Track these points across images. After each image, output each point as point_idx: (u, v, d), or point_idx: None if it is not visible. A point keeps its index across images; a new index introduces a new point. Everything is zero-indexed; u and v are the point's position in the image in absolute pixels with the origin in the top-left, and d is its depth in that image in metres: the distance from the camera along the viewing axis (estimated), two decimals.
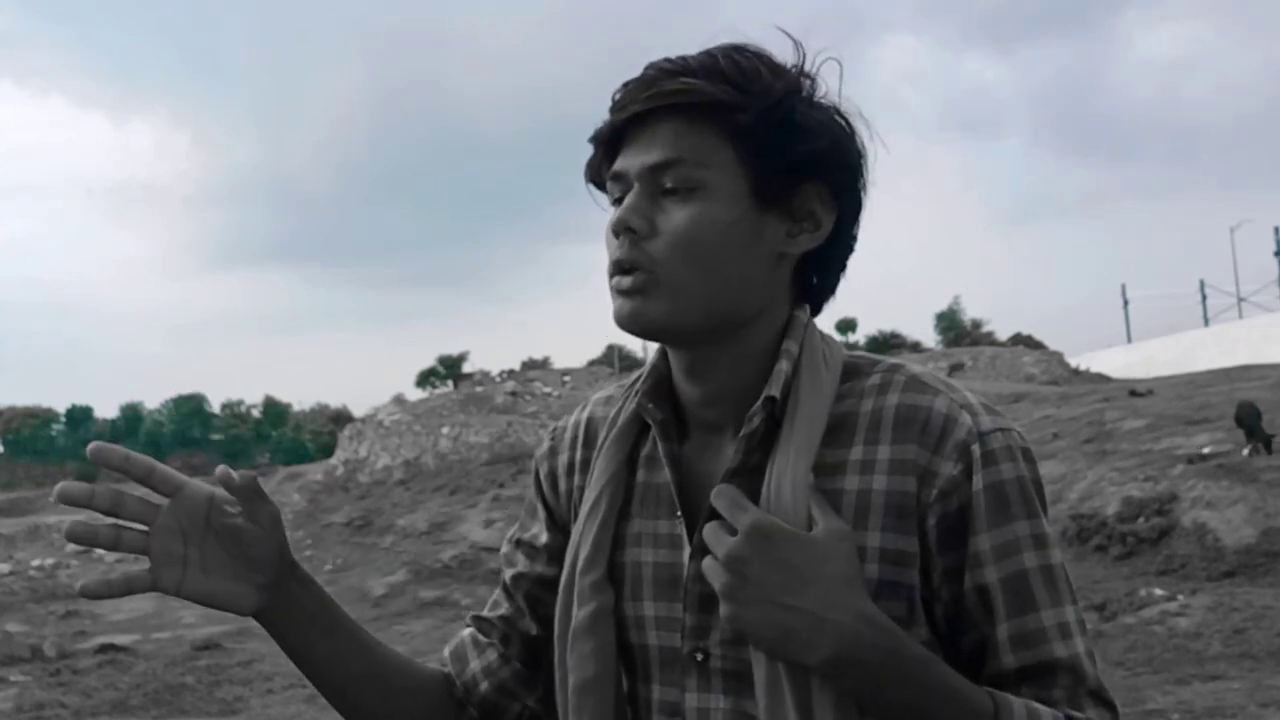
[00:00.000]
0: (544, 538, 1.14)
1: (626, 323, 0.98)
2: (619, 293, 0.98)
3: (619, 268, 0.97)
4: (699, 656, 0.97)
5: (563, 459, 1.14)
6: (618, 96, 0.98)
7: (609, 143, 1.00)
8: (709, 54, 0.97)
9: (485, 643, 1.15)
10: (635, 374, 1.10)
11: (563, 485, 1.13)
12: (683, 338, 1.00)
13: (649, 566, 1.02)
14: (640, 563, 1.02)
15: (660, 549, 1.01)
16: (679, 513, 1.00)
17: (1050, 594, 0.93)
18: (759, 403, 0.96)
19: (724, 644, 0.96)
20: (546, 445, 1.17)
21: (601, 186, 1.03)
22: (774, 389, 0.96)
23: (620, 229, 0.97)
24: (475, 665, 1.14)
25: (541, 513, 1.15)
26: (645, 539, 1.03)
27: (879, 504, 0.94)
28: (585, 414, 1.14)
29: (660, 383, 1.04)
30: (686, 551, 0.99)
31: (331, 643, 1.07)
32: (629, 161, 0.98)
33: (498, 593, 1.18)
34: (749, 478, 0.96)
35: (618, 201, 0.99)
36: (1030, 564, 0.93)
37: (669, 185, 0.96)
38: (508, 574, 1.16)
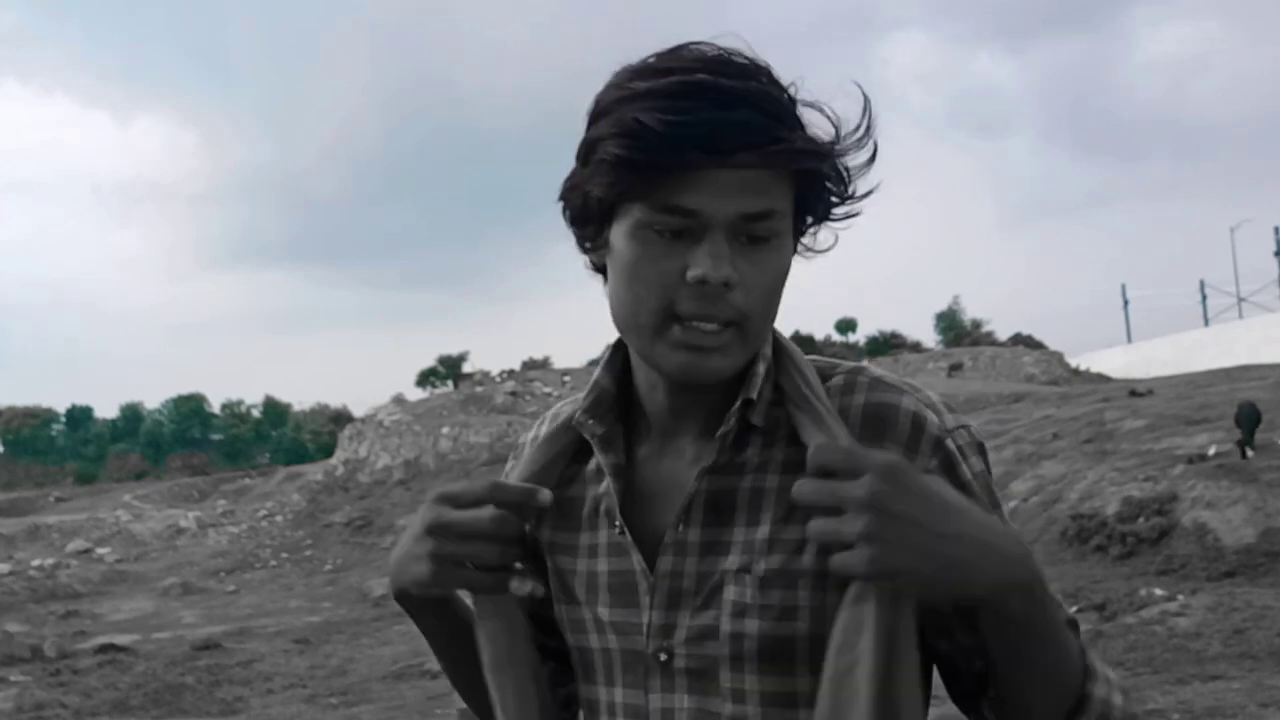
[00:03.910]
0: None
1: (701, 377, 0.95)
2: (699, 348, 0.93)
3: (707, 321, 0.92)
4: (663, 657, 0.98)
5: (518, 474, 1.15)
6: (696, 125, 0.88)
7: (659, 171, 0.90)
8: (768, 93, 0.91)
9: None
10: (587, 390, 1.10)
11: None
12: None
13: (604, 575, 1.03)
14: (596, 572, 1.03)
15: (612, 557, 1.02)
16: (617, 521, 1.01)
17: None
18: (737, 405, 0.97)
19: (688, 643, 0.97)
20: (510, 465, 1.18)
21: (608, 206, 0.95)
22: (751, 391, 0.98)
23: (718, 283, 0.91)
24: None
25: None
26: (600, 549, 1.04)
27: None
28: (544, 430, 1.15)
29: (603, 398, 1.05)
30: (635, 556, 1.00)
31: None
32: (713, 203, 0.90)
33: None
34: (722, 475, 0.98)
35: (676, 236, 0.92)
36: None
37: (757, 234, 0.93)
38: None
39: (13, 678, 12.00)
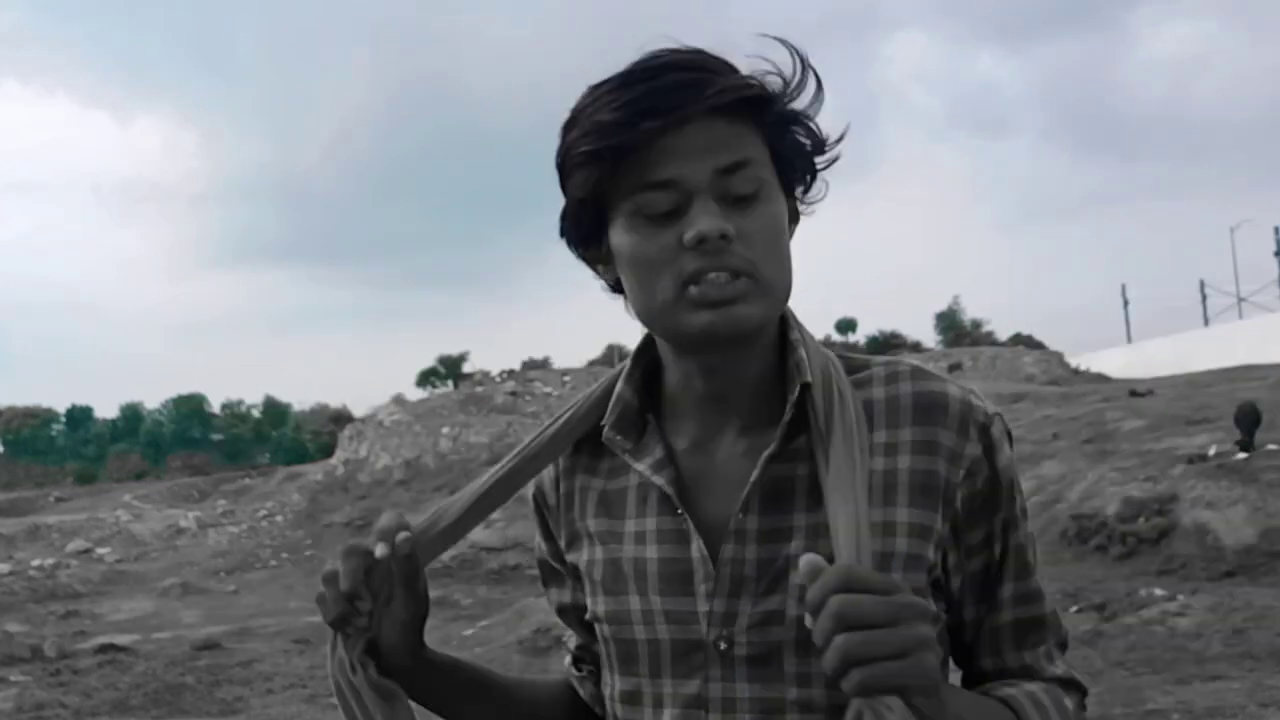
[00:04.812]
0: (555, 562, 1.18)
1: (730, 330, 0.96)
2: (718, 302, 0.95)
3: (717, 272, 0.94)
4: (722, 645, 0.99)
5: (548, 473, 1.17)
6: (639, 99, 0.93)
7: (623, 152, 0.94)
8: (699, 53, 0.96)
9: (581, 676, 1.22)
10: (610, 381, 1.11)
11: (551, 499, 1.16)
12: (762, 336, 1.01)
13: (654, 562, 1.03)
14: (645, 559, 1.04)
15: (663, 545, 1.03)
16: (679, 509, 1.02)
17: (1034, 559, 1.06)
18: (795, 393, 0.99)
19: (750, 629, 0.98)
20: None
21: (598, 203, 0.98)
22: (806, 375, 0.99)
23: (715, 236, 0.93)
24: (585, 694, 1.21)
25: (543, 539, 1.19)
26: (648, 536, 1.04)
27: (904, 482, 0.99)
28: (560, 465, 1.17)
29: (626, 412, 1.07)
30: (696, 544, 1.00)
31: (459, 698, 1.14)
32: (685, 168, 0.94)
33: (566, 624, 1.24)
34: (778, 462, 0.99)
35: (666, 215, 0.95)
36: (1025, 532, 1.05)
37: (739, 189, 0.95)
38: (554, 602, 1.21)
39: (13, 678, 11.99)
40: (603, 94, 0.96)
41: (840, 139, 1.01)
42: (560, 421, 1.10)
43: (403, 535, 1.00)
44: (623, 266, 1.00)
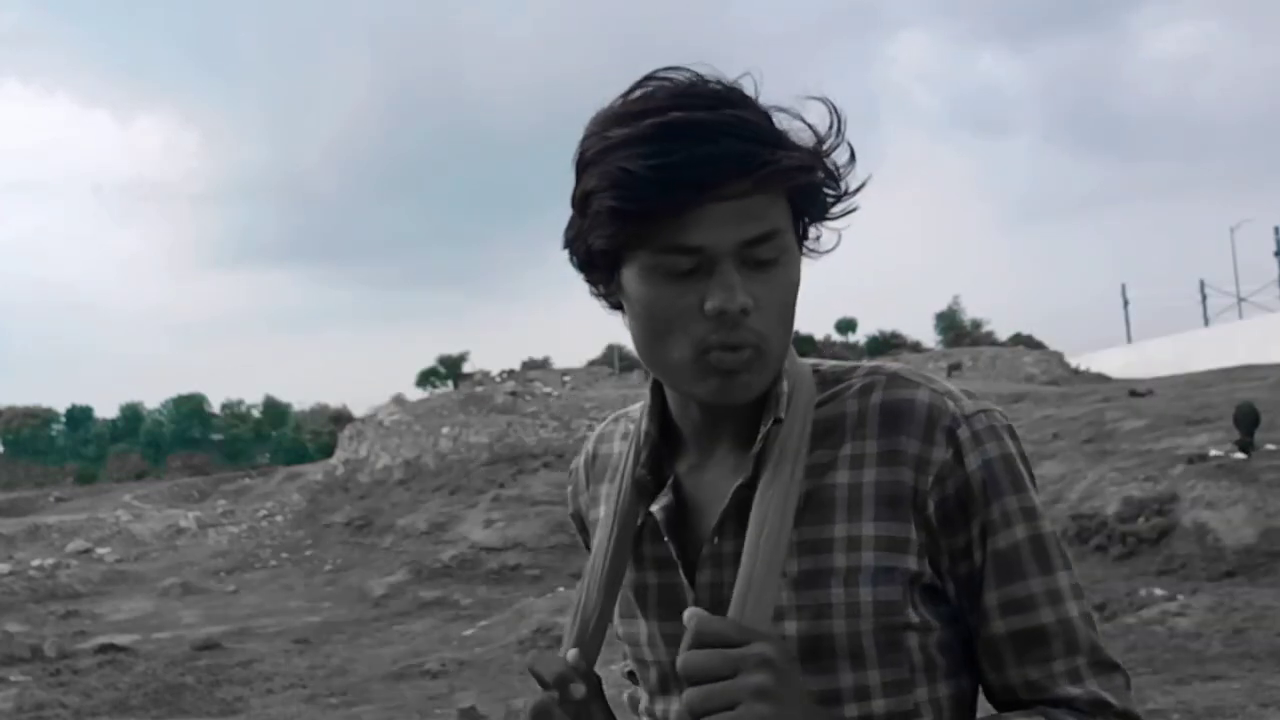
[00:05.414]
0: None
1: (735, 397, 0.98)
2: (726, 372, 0.96)
3: (728, 348, 0.95)
4: None
5: (583, 499, 1.21)
6: (681, 165, 0.89)
7: (655, 217, 0.92)
8: (744, 118, 0.93)
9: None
10: (637, 413, 1.12)
11: (587, 520, 1.20)
12: None
13: (654, 588, 1.08)
14: (647, 585, 1.08)
15: (661, 570, 1.07)
16: (666, 538, 1.05)
17: (1039, 563, 0.98)
18: (767, 426, 1.00)
19: None
20: (569, 489, 1.25)
21: (613, 255, 0.97)
22: (780, 411, 1.00)
23: (736, 312, 0.93)
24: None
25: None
26: (647, 562, 1.08)
27: (869, 495, 0.98)
28: (591, 449, 1.21)
29: (655, 450, 1.08)
30: (680, 570, 1.04)
31: None
32: (713, 237, 0.92)
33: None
34: (750, 488, 1.00)
35: (685, 272, 0.94)
36: (1020, 535, 0.98)
37: (762, 256, 0.94)
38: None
39: (13, 678, 12.00)
40: (633, 140, 0.92)
41: (860, 189, 0.99)
42: (628, 471, 1.09)
43: (573, 654, 1.02)
44: (634, 312, 0.99)
